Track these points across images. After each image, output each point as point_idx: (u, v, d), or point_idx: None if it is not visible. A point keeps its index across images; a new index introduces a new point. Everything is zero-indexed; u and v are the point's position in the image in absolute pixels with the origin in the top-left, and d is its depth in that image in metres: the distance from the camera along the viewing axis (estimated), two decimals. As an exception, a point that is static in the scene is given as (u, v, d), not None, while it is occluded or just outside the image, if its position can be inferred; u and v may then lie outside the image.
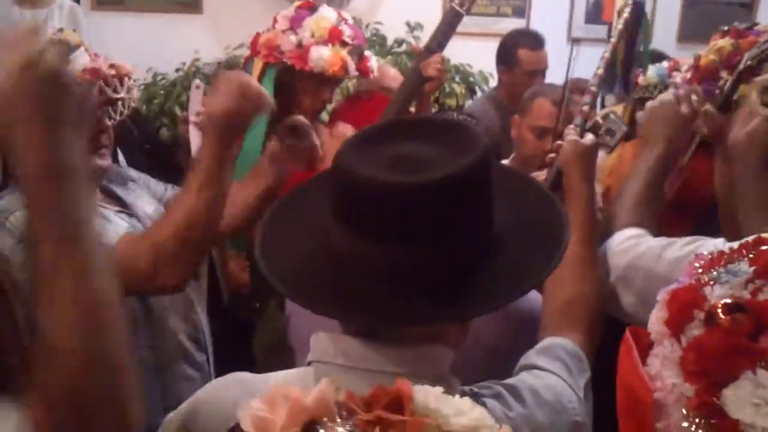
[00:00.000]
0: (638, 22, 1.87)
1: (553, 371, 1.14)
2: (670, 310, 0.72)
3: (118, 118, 1.87)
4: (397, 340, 0.97)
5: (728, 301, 0.69)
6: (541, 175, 2.22)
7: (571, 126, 1.76)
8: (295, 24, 2.43)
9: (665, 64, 2.85)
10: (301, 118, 1.96)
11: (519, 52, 3.65)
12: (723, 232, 1.52)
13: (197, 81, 2.33)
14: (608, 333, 1.43)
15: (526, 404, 1.04)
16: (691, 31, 5.80)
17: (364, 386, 0.71)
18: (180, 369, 1.86)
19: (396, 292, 0.94)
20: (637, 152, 2.87)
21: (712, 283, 0.72)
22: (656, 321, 0.74)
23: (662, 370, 0.70)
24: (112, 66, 1.77)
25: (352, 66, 2.42)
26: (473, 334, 1.08)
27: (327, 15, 2.47)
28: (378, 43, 4.91)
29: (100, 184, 1.89)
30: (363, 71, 2.49)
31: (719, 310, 0.68)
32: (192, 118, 2.28)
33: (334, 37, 2.41)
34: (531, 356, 1.19)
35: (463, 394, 0.77)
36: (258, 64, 2.49)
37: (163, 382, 1.82)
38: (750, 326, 0.66)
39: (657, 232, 1.57)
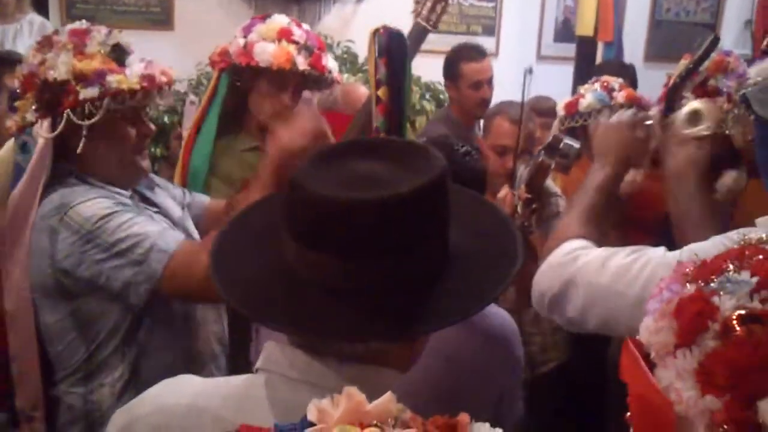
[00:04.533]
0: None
1: None
2: (680, 320, 0.72)
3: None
4: (340, 356, 0.98)
5: (743, 312, 0.69)
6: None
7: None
8: (246, 30, 2.44)
9: (597, 86, 2.92)
10: (264, 117, 1.99)
11: (461, 65, 3.70)
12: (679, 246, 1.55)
13: (192, 97, 2.34)
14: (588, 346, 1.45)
15: None
16: (657, 51, 5.92)
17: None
18: (209, 373, 1.87)
19: (346, 308, 0.95)
20: (584, 169, 2.93)
21: (717, 293, 0.72)
22: (658, 332, 0.73)
23: (676, 381, 0.70)
24: (162, 73, 1.78)
25: (300, 60, 2.37)
26: (434, 342, 1.09)
27: (278, 20, 2.46)
28: (349, 60, 4.94)
29: (138, 185, 1.91)
30: (316, 66, 2.42)
31: (735, 322, 0.68)
32: (185, 134, 2.30)
33: (282, 35, 2.39)
34: None
35: None
36: (214, 74, 2.50)
37: None
38: (767, 336, 0.67)
39: (610, 243, 1.60)
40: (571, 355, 2.74)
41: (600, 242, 1.58)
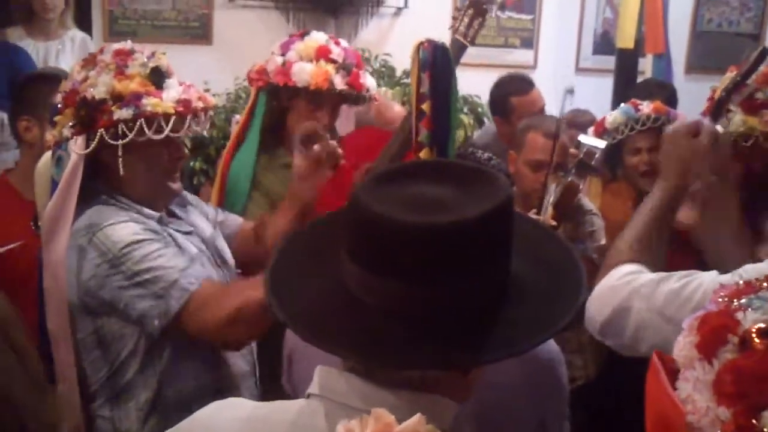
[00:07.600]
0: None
1: None
2: (702, 333, 0.72)
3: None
4: (393, 382, 0.95)
5: (762, 325, 0.68)
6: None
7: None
8: (284, 48, 2.45)
9: (625, 105, 2.88)
10: (310, 123, 2.04)
11: (512, 100, 3.55)
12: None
13: (237, 117, 2.40)
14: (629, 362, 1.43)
15: None
16: (698, 63, 5.82)
17: None
18: (237, 394, 1.85)
19: (409, 334, 0.94)
20: (620, 194, 2.89)
21: (743, 309, 0.71)
22: (684, 346, 0.74)
23: (693, 393, 0.70)
24: (200, 98, 1.81)
25: (338, 80, 2.38)
26: (493, 372, 1.06)
27: (316, 37, 2.47)
28: (387, 74, 4.94)
29: (170, 207, 1.92)
30: (354, 86, 2.43)
31: (754, 335, 0.68)
32: None
33: (320, 54, 2.40)
34: None
35: None
36: (252, 92, 2.52)
37: None
38: None
39: (663, 267, 1.56)
40: (597, 377, 2.67)
41: (655, 266, 1.55)
